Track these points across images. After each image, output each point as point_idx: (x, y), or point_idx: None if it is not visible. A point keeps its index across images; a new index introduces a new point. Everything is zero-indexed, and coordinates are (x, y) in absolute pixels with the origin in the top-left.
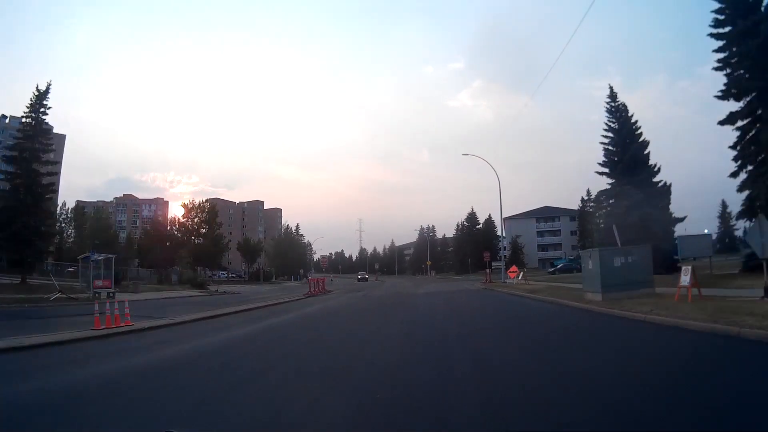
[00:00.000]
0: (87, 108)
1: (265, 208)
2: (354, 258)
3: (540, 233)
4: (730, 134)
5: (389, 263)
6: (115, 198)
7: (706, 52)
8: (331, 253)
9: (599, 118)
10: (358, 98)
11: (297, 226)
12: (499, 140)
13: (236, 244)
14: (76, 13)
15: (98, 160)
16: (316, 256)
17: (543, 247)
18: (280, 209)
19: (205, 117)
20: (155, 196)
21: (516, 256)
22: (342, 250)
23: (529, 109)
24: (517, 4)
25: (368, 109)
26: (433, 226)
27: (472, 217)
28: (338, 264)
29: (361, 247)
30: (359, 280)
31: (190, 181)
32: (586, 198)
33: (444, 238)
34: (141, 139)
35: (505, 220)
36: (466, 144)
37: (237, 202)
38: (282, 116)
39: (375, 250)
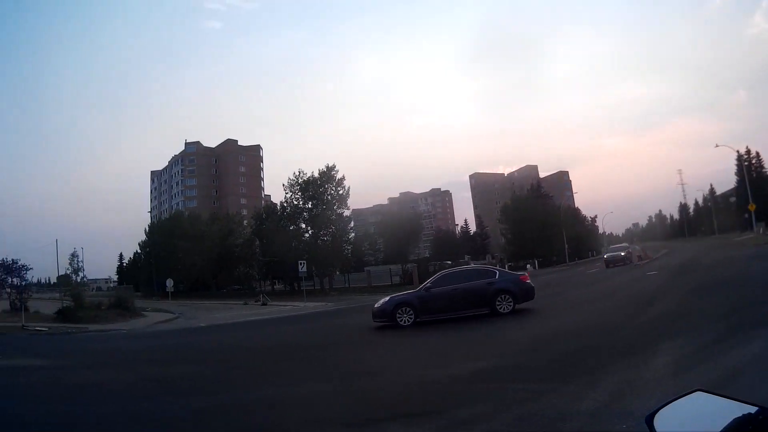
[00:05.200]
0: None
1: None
2: (674, 219)
3: None
4: None
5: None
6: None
7: None
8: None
9: None
10: None
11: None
12: None
13: None
14: None
15: None
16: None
17: None
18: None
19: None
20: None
21: None
22: (660, 211)
23: None
24: None
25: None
26: (757, 152)
27: None
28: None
29: (681, 203)
30: (607, 260)
31: None
32: None
33: None
34: None
35: None
36: None
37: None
38: None
39: (697, 203)
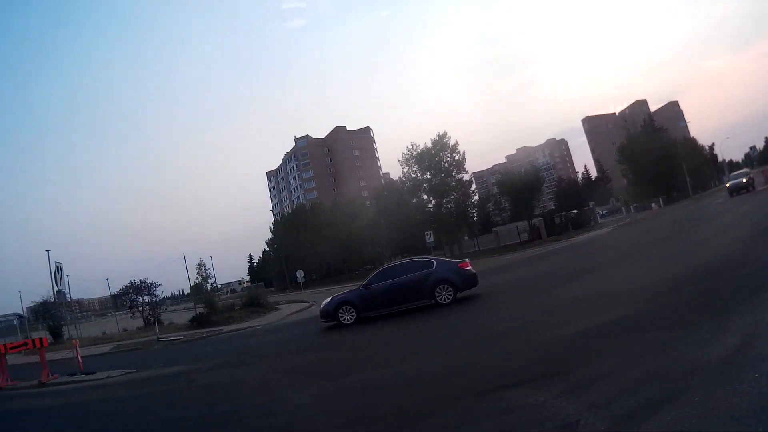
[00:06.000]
0: None
1: None
2: None
3: None
4: None
5: None
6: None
7: None
8: (753, 147)
9: None
10: None
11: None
12: None
13: None
14: None
15: None
16: None
17: None
18: None
19: None
20: None
21: None
22: None
23: None
24: None
25: None
26: None
27: None
28: None
29: None
30: (730, 188)
31: None
32: None
33: None
34: None
35: None
36: None
37: None
38: None
39: None
